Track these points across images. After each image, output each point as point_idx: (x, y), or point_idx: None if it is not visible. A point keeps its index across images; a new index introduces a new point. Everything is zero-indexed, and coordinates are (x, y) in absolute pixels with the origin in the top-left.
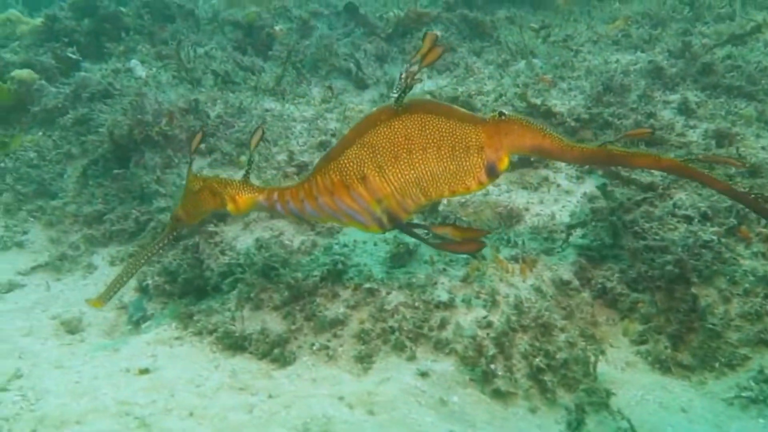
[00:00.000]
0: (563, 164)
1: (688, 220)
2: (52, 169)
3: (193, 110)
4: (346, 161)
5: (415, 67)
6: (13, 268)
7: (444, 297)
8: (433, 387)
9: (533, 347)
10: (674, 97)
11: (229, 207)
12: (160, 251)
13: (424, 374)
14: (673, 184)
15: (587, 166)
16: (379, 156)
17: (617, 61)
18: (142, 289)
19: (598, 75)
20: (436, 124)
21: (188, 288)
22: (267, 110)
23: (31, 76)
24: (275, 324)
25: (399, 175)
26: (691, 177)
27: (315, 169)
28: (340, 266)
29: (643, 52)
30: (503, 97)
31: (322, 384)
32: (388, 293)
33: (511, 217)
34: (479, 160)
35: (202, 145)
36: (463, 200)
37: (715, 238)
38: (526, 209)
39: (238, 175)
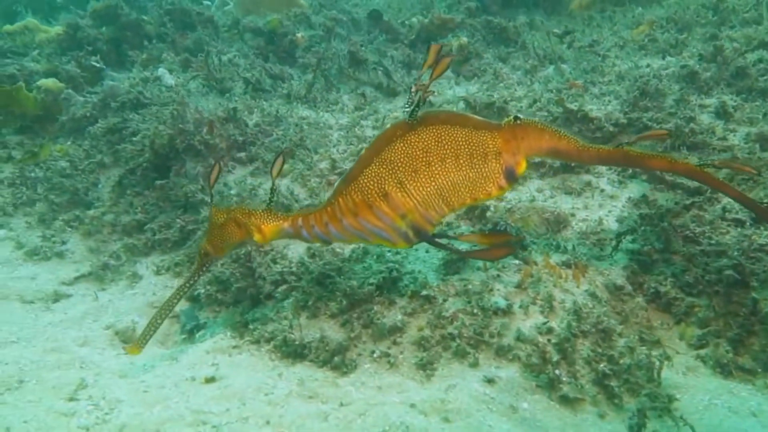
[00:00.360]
0: (605, 169)
1: (739, 223)
2: (85, 179)
3: (232, 119)
4: (366, 180)
5: (425, 80)
6: (56, 278)
7: (502, 303)
8: (502, 393)
9: (596, 353)
10: (710, 101)
11: (256, 237)
12: (192, 287)
13: (490, 381)
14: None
15: (629, 171)
16: (398, 172)
17: (648, 65)
18: (193, 299)
19: (631, 80)
20: (452, 134)
21: (240, 297)
22: (302, 118)
23: (57, 85)
24: (333, 332)
25: (420, 189)
26: (705, 182)
27: (336, 191)
28: (394, 273)
29: (671, 56)
30: (537, 103)
31: (388, 392)
32: (445, 300)
33: (558, 223)
34: (498, 165)
35: (242, 154)
36: (509, 206)
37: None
38: (572, 215)
39: (281, 182)
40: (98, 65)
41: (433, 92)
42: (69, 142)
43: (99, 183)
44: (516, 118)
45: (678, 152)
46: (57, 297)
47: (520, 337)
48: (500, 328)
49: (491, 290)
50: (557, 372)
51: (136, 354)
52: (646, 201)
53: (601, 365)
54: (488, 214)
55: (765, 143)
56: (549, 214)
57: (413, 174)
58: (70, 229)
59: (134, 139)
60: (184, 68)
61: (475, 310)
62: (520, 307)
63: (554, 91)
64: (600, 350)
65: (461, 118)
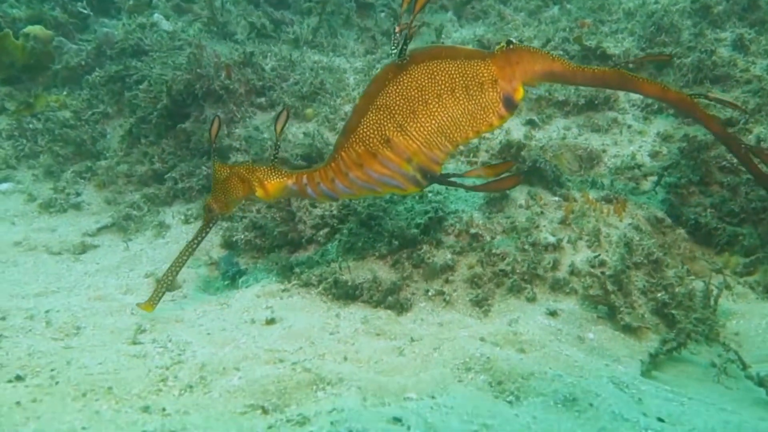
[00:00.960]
0: (629, 105)
1: None
2: (90, 129)
3: (249, 63)
4: (365, 130)
5: (407, 20)
6: (78, 230)
7: (552, 239)
8: (567, 325)
9: (651, 283)
10: (725, 35)
11: (258, 193)
12: (200, 243)
13: (553, 314)
14: (751, 119)
15: (655, 106)
16: (396, 115)
17: (656, 1)
18: (228, 245)
19: (642, 16)
20: (445, 68)
21: (280, 242)
22: (315, 62)
23: (45, 33)
24: (384, 273)
25: (421, 129)
26: (693, 113)
27: (337, 146)
28: (440, 213)
29: None
30: (551, 42)
31: (450, 327)
32: (493, 238)
33: (591, 160)
34: (495, 94)
35: (262, 99)
36: (541, 144)
37: None
38: (603, 151)
39: (306, 127)
40: (85, 11)
41: (417, 26)
42: (65, 93)
43: (107, 133)
44: (509, 42)
45: (701, 86)
46: (84, 248)
47: (573, 271)
48: (552, 263)
49: (537, 227)
50: (617, 303)
51: (150, 312)
52: (686, 137)
53: (659, 294)
54: (523, 153)
55: None
56: (582, 150)
57: (412, 115)
58: (82, 180)
59: (141, 87)
60: (178, 14)
61: (526, 246)
62: (568, 242)
63: (567, 29)
64: (654, 280)
65: (451, 51)
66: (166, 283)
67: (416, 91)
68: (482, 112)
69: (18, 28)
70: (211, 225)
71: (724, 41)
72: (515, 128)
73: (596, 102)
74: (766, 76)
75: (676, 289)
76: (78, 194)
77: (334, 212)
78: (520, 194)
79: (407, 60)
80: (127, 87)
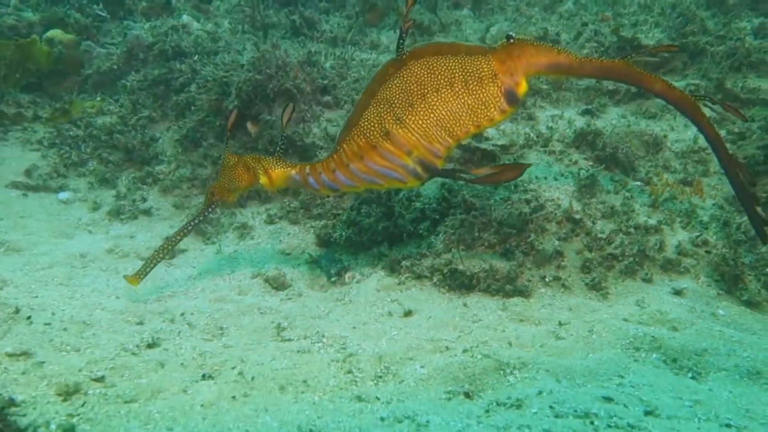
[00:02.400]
0: None
1: None
2: (138, 135)
3: (310, 62)
4: (366, 123)
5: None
6: (157, 236)
7: (652, 221)
8: (696, 303)
9: (757, 259)
10: (743, 24)
11: (262, 181)
12: (196, 226)
13: (679, 292)
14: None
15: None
16: (395, 108)
17: None
18: (323, 243)
19: (662, 8)
20: (444, 63)
21: (378, 237)
22: (362, 60)
23: (67, 37)
24: (496, 261)
25: (419, 121)
26: (693, 114)
27: (339, 139)
28: (537, 201)
29: None
30: (583, 36)
31: (581, 311)
32: (594, 223)
33: (656, 145)
34: (496, 89)
35: (327, 98)
36: (607, 131)
37: None
38: (665, 136)
39: None
40: (103, 14)
41: (413, 21)
42: (98, 98)
43: (158, 137)
44: (509, 37)
45: (739, 72)
46: (173, 253)
47: (681, 251)
48: (659, 245)
49: (633, 210)
50: (735, 280)
51: (136, 285)
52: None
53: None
54: (598, 140)
55: None
56: (647, 136)
57: (410, 108)
58: (144, 186)
59: (191, 89)
60: (197, 12)
61: (631, 230)
62: (665, 223)
63: (593, 23)
64: (757, 256)
65: (451, 47)
66: (157, 260)
67: (415, 85)
68: (482, 107)
69: (35, 32)
70: (210, 209)
71: (744, 30)
72: (576, 118)
73: (644, 91)
74: None
75: None
76: (144, 200)
77: (434, 205)
78: (606, 181)
79: (407, 55)
80: (173, 90)
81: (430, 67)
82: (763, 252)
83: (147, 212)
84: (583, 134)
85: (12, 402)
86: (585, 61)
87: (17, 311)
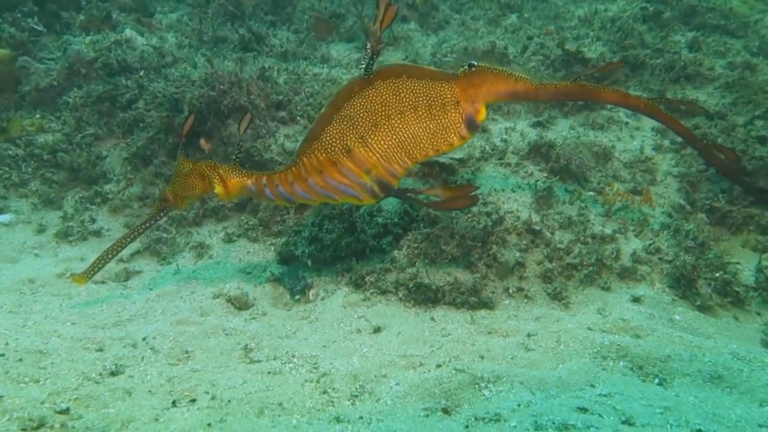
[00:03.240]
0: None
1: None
2: (84, 153)
3: (263, 78)
4: (328, 138)
5: (378, 34)
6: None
7: (607, 231)
8: (654, 309)
9: (705, 264)
10: (677, 38)
11: (217, 190)
12: (146, 231)
13: (637, 300)
14: (731, 110)
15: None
16: (359, 126)
17: (606, 9)
18: (284, 260)
19: (598, 23)
20: (409, 87)
21: (340, 253)
22: (315, 75)
23: (0, 52)
24: (460, 274)
25: (382, 142)
26: (655, 117)
27: (299, 152)
28: (497, 214)
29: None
30: (529, 49)
31: (546, 321)
32: (552, 233)
33: (605, 155)
34: (457, 115)
35: (282, 113)
36: (559, 143)
37: None
38: (612, 147)
39: None
40: (38, 28)
41: (383, 43)
42: (38, 115)
43: (105, 155)
44: (471, 65)
45: (677, 84)
46: (128, 275)
47: (637, 259)
48: (615, 253)
49: (589, 220)
50: (686, 286)
51: (82, 284)
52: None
53: (718, 274)
54: (551, 152)
55: (745, 70)
56: (597, 147)
57: (373, 128)
58: (93, 206)
59: (139, 106)
60: (137, 26)
61: (588, 239)
62: (620, 232)
63: (539, 36)
64: (706, 261)
65: (417, 70)
66: (105, 261)
67: (380, 105)
68: (443, 132)
69: None
70: (162, 214)
71: (680, 43)
72: (528, 130)
73: (590, 103)
74: (730, 73)
75: (729, 268)
76: (93, 221)
77: (396, 220)
78: (559, 191)
79: (375, 75)
80: (119, 107)
81: (397, 90)
82: (710, 258)
83: (97, 233)
84: (537, 146)
85: None
86: (541, 87)
87: None
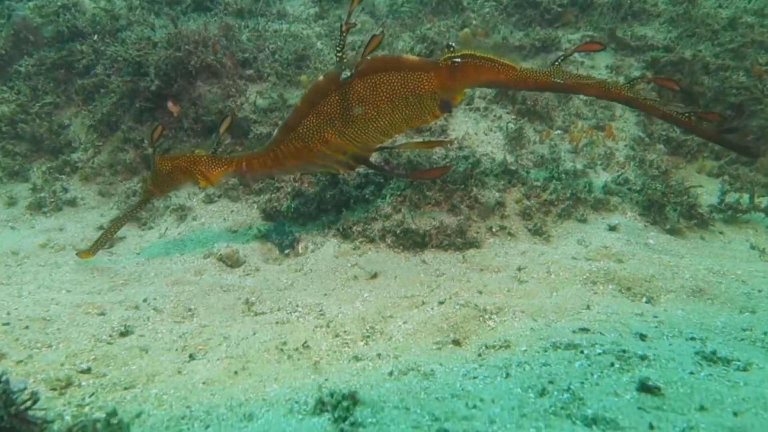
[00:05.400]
0: (571, 45)
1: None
2: (45, 123)
3: (227, 36)
4: (305, 130)
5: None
6: (88, 226)
7: (578, 165)
8: (630, 235)
9: (671, 190)
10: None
11: (201, 184)
12: (136, 213)
13: (613, 228)
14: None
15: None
16: (335, 121)
17: None
18: (269, 216)
19: None
20: (387, 81)
21: (327, 205)
22: (275, 31)
23: None
24: (444, 218)
25: (358, 132)
26: (634, 105)
27: (276, 140)
28: (474, 157)
29: None
30: None
31: (532, 254)
32: (528, 172)
33: (566, 95)
34: (432, 102)
35: (250, 71)
36: None
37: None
38: None
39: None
40: None
41: (355, 24)
42: None
43: (67, 124)
44: (453, 61)
45: (625, 22)
46: (111, 242)
47: (608, 191)
48: (589, 187)
49: (560, 157)
50: (655, 213)
51: (90, 258)
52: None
53: (684, 198)
54: (517, 95)
55: (691, 4)
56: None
57: (350, 122)
58: (63, 176)
59: (98, 71)
60: None
61: (562, 175)
62: (589, 167)
63: None
64: (672, 188)
65: (395, 62)
66: (105, 240)
67: (357, 101)
68: (418, 115)
69: None
70: (148, 202)
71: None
72: None
73: (546, 45)
74: (673, 8)
75: (692, 191)
76: (66, 190)
77: (398, 171)
78: (529, 131)
79: (352, 74)
80: (76, 73)
81: (374, 86)
82: (673, 184)
83: (72, 203)
84: (503, 90)
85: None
86: (521, 79)
87: None
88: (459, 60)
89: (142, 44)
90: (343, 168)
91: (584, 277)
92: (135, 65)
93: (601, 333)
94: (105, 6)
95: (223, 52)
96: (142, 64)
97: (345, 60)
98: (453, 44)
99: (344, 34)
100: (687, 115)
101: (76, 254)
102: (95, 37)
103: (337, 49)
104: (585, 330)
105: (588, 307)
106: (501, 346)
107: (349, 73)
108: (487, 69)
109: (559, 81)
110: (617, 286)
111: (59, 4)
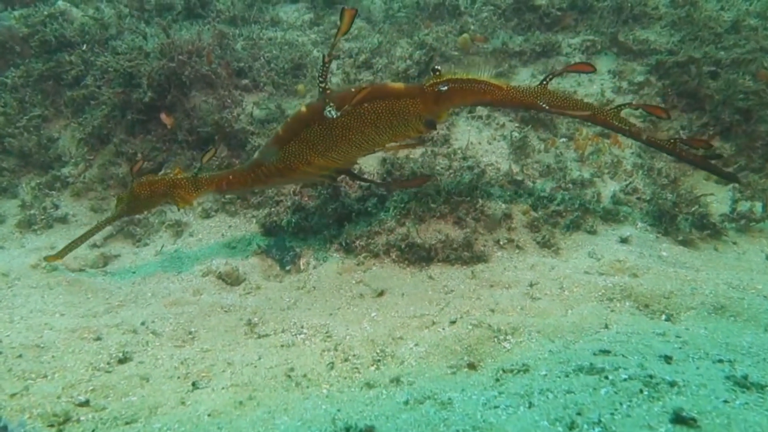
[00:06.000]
0: (572, 50)
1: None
2: (34, 137)
3: (221, 45)
4: (287, 155)
5: (334, 48)
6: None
7: (585, 175)
8: (642, 248)
9: (681, 200)
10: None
11: (179, 205)
12: (107, 226)
13: (625, 240)
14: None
15: (597, 48)
16: (319, 146)
17: None
18: (268, 231)
19: None
20: (373, 110)
21: (329, 219)
22: (270, 39)
23: None
24: (450, 231)
25: (342, 153)
26: (621, 131)
27: (257, 161)
28: (478, 167)
29: None
30: (479, 0)
31: (542, 268)
32: (534, 182)
33: None
34: (417, 122)
35: (246, 81)
36: None
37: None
38: (574, 92)
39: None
40: None
41: (338, 55)
42: None
43: (56, 137)
44: (439, 89)
45: (626, 25)
46: (105, 260)
47: (617, 201)
48: (596, 197)
49: (567, 166)
50: (668, 223)
51: (59, 261)
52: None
53: (693, 208)
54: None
55: (693, 6)
56: (561, 94)
57: (333, 146)
58: (53, 192)
59: (87, 82)
60: None
61: (569, 185)
62: (596, 176)
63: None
64: (682, 197)
65: (380, 91)
66: (75, 246)
67: (341, 130)
68: (402, 133)
69: None
70: (120, 219)
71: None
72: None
73: (546, 49)
74: (674, 11)
75: (703, 201)
76: (56, 207)
77: (379, 181)
78: (533, 139)
79: (335, 104)
80: (65, 85)
81: (360, 116)
82: (683, 193)
83: (63, 220)
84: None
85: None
86: (508, 99)
87: None
88: (445, 88)
89: (134, 54)
90: (326, 180)
91: (600, 293)
92: (127, 76)
93: (623, 356)
94: (94, 15)
95: (218, 61)
96: (134, 74)
97: (329, 91)
98: (439, 68)
99: (327, 65)
100: (672, 141)
101: (44, 258)
102: (84, 47)
103: (320, 79)
104: (606, 352)
105: (606, 327)
106: (519, 371)
107: (334, 113)
108: (473, 92)
109: (543, 105)
110: (635, 303)
111: (46, 13)
